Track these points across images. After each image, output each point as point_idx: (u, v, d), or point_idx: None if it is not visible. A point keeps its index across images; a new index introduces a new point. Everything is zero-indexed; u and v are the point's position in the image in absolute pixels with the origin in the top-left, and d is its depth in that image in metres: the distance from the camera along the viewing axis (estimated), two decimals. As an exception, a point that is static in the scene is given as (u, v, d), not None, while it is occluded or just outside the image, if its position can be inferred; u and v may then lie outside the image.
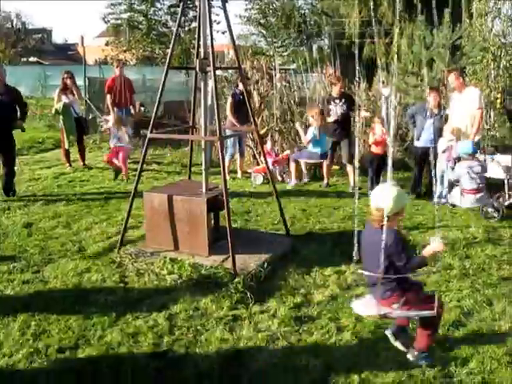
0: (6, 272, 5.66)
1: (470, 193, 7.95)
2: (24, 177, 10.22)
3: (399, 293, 3.70)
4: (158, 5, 21.84)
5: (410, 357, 3.97)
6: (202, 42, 5.72)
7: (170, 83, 5.95)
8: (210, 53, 5.53)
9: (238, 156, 10.50)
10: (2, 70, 8.86)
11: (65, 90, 10.81)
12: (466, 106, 8.57)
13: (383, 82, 12.63)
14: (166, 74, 5.75)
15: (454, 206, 8.37)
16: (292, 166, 9.96)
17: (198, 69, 5.77)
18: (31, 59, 53.65)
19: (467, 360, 4.00)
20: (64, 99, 10.68)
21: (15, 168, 9.14)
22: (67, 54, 64.76)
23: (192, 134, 6.71)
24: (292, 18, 23.09)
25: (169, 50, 5.97)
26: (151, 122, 5.93)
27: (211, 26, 5.57)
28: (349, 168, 9.74)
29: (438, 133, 8.80)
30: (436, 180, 8.76)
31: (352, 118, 10.18)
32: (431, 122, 8.88)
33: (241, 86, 10.02)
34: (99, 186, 9.59)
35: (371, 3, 26.57)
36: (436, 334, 4.01)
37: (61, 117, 10.71)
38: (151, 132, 5.92)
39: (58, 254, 6.22)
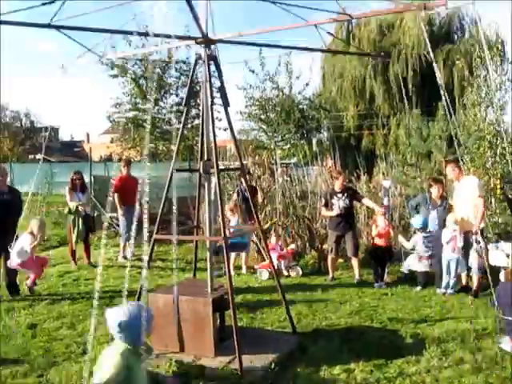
0: (10, 376, 5.57)
1: (424, 259, 9.12)
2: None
3: None
4: (162, 104, 22.51)
5: None
6: (205, 145, 5.91)
7: (173, 179, 6.08)
8: (213, 154, 5.69)
9: (243, 251, 10.54)
10: (3, 170, 9.05)
11: (74, 189, 11.05)
12: (466, 195, 8.71)
13: (383, 174, 12.92)
14: (171, 177, 5.90)
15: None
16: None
17: (201, 171, 5.93)
18: (38, 156, 54.89)
19: None
20: (74, 198, 10.91)
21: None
22: (73, 151, 66.40)
23: (196, 233, 6.78)
24: (291, 113, 23.78)
25: (173, 147, 6.18)
26: (157, 223, 6.02)
27: (214, 128, 5.77)
28: (354, 261, 9.75)
29: (442, 223, 8.90)
30: (442, 270, 8.77)
31: (355, 211, 10.28)
32: (435, 213, 9.00)
33: (245, 183, 10.24)
34: (104, 285, 9.54)
35: (367, 97, 27.66)
36: None
37: (71, 216, 10.86)
38: (157, 233, 5.99)
39: (63, 356, 6.14)
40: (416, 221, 9.40)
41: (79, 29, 5.03)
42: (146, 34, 9.46)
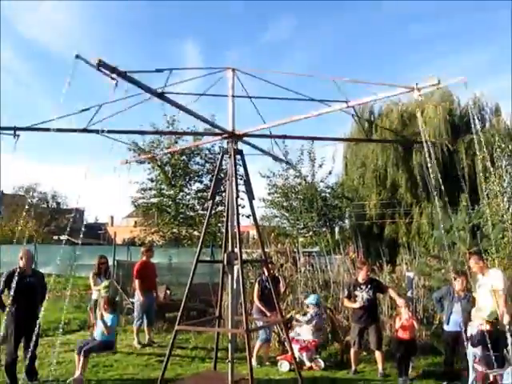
0: None
1: None
2: (47, 360, 10.15)
3: None
4: (186, 190, 23.00)
5: None
6: (229, 237, 6.03)
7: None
8: (238, 247, 5.79)
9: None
10: (28, 253, 9.23)
11: (99, 273, 11.20)
12: (490, 290, 8.61)
13: (406, 264, 12.84)
14: (195, 268, 5.99)
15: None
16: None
17: (225, 262, 6.01)
18: (62, 237, 55.50)
19: None
20: (98, 283, 11.03)
21: (37, 351, 9.15)
22: (97, 233, 67.04)
23: (218, 324, 6.77)
24: (314, 201, 24.04)
25: (195, 233, 6.29)
26: (179, 315, 6.05)
27: (238, 221, 5.90)
28: (377, 354, 9.56)
29: (467, 316, 8.76)
30: (468, 365, 8.54)
31: (378, 302, 10.14)
32: (459, 306, 8.88)
33: (267, 273, 10.26)
34: (123, 373, 9.45)
35: (389, 185, 27.88)
36: None
37: (95, 299, 10.92)
38: (179, 324, 6.01)
39: None
40: (310, 299, 10.32)
41: (115, 132, 5.32)
42: (177, 133, 9.85)
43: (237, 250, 5.84)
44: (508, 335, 8.11)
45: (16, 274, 8.70)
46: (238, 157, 6.04)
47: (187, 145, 12.32)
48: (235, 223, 5.97)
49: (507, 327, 8.30)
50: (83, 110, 5.15)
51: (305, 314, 10.37)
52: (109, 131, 5.36)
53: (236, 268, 6.83)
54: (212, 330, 7.32)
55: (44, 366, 9.56)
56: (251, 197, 6.03)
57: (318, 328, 10.25)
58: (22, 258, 8.93)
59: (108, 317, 9.01)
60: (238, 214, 6.00)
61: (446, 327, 9.18)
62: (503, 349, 8.20)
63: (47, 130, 5.09)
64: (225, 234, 6.03)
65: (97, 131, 5.26)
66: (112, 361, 10.28)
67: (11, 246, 21.12)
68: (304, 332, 10.16)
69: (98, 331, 9.10)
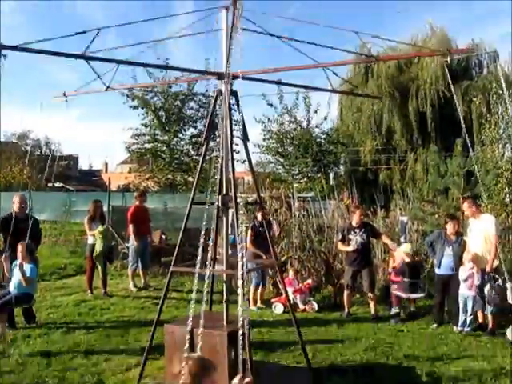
0: (24, 405, 5.61)
1: None
2: (45, 303, 10.29)
3: None
4: (181, 135, 22.78)
5: None
6: (224, 179, 5.99)
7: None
8: (232, 188, 5.77)
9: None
10: (22, 198, 9.20)
11: (93, 218, 11.19)
12: (483, 234, 8.70)
13: (400, 209, 12.90)
14: (190, 211, 5.98)
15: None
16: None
17: (220, 204, 6.00)
18: (57, 185, 55.46)
19: None
20: (93, 227, 11.03)
21: (35, 295, 9.26)
22: (91, 180, 67.05)
23: (213, 265, 6.80)
24: (309, 147, 23.93)
25: (190, 178, 6.26)
26: (174, 256, 6.08)
27: (233, 164, 5.86)
28: (370, 297, 9.70)
29: (458, 260, 8.87)
30: (459, 308, 8.70)
31: (372, 246, 10.21)
32: (450, 250, 8.98)
33: (260, 218, 10.28)
34: (119, 315, 9.60)
35: (385, 132, 27.73)
36: None
37: (98, 241, 10.93)
38: (174, 265, 6.04)
39: (77, 386, 6.16)
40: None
41: (108, 60, 5.17)
42: (169, 68, 9.62)
43: (231, 193, 5.81)
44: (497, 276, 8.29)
45: (10, 218, 8.74)
46: (233, 99, 5.94)
47: (182, 80, 12.15)
48: (230, 167, 5.92)
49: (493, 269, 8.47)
50: (78, 33, 4.94)
51: None
52: (100, 59, 5.20)
53: (231, 211, 6.83)
54: (207, 271, 7.35)
55: (42, 310, 9.70)
56: (246, 139, 5.97)
57: None
58: (15, 203, 8.91)
59: (27, 266, 8.30)
60: (232, 156, 5.94)
61: (437, 270, 9.30)
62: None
63: (39, 51, 4.86)
64: (219, 177, 5.99)
65: (96, 58, 5.10)
66: (108, 304, 10.43)
67: (5, 194, 21.09)
68: None
69: (15, 282, 8.29)
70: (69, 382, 6.26)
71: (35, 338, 8.02)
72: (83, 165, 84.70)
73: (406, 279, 9.38)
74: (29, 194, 24.78)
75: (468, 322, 8.62)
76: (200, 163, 6.06)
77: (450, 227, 9.14)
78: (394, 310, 9.50)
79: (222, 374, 5.75)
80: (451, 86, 19.46)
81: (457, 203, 11.46)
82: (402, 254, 9.56)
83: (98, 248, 10.89)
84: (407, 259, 9.51)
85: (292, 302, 9.53)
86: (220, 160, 5.84)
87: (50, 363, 6.95)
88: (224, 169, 5.98)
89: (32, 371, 6.62)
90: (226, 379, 5.74)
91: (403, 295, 9.49)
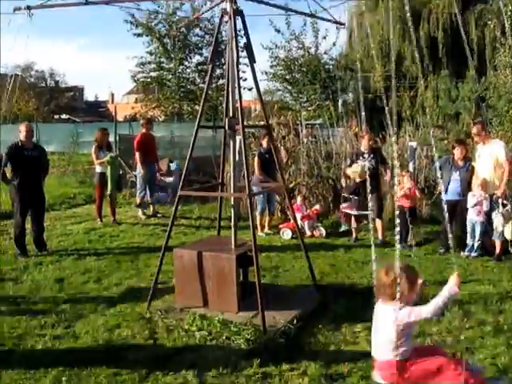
0: (38, 327, 5.72)
1: None
2: (55, 232, 10.41)
3: None
4: (186, 63, 22.44)
5: None
6: (230, 101, 5.87)
7: (197, 139, 6.06)
8: (239, 111, 5.67)
9: (267, 212, 10.57)
10: (29, 127, 9.11)
11: (100, 146, 11.12)
12: (492, 159, 8.59)
13: (410, 136, 12.74)
14: (196, 133, 5.90)
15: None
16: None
17: (226, 127, 5.91)
18: (63, 116, 55.21)
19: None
20: (101, 156, 10.97)
21: (45, 224, 9.35)
22: (98, 111, 66.57)
23: (221, 190, 6.80)
24: (317, 73, 23.45)
25: (197, 107, 6.14)
26: (181, 179, 6.05)
27: (239, 85, 5.72)
28: (377, 222, 9.70)
29: (465, 185, 8.81)
30: (467, 233, 8.71)
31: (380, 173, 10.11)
32: (457, 175, 8.90)
33: (265, 145, 10.18)
34: (129, 242, 9.72)
35: (395, 58, 27.03)
36: None
37: (108, 168, 10.92)
38: (182, 189, 6.03)
39: (89, 309, 6.28)
40: None
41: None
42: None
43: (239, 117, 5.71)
44: (506, 201, 8.24)
45: (17, 147, 8.70)
46: (239, 18, 5.74)
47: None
48: (236, 90, 5.79)
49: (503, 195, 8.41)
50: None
51: None
52: None
53: (238, 138, 6.75)
54: (214, 194, 7.36)
55: (52, 238, 9.82)
56: (253, 59, 5.79)
57: None
58: (21, 132, 8.86)
59: None
60: (238, 78, 5.80)
61: (444, 196, 9.22)
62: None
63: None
64: (225, 99, 5.88)
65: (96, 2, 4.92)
66: (118, 231, 10.54)
67: (12, 126, 21.00)
68: None
69: None
70: (81, 306, 6.37)
71: (47, 265, 8.15)
72: (89, 96, 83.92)
73: (356, 197, 9.77)
74: (35, 126, 24.74)
75: (475, 248, 8.64)
76: (206, 86, 5.92)
77: (457, 152, 9.02)
78: (344, 227, 10.01)
79: (230, 296, 5.84)
80: (458, 15, 18.79)
81: (467, 128, 11.29)
82: (351, 173, 9.88)
83: (109, 175, 10.87)
84: (358, 179, 9.75)
85: (300, 227, 9.57)
86: (226, 82, 5.70)
87: (63, 288, 7.08)
88: (231, 91, 5.86)
89: (45, 296, 6.75)
90: (235, 302, 5.84)
91: (352, 212, 9.73)
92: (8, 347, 5.25)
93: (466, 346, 5.13)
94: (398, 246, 9.08)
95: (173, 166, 10.72)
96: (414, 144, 11.18)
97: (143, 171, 11.76)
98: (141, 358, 4.97)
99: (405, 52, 26.96)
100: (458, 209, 8.91)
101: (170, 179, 10.90)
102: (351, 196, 9.79)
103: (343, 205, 9.92)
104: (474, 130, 8.98)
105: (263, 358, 4.86)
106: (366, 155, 9.58)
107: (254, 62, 5.85)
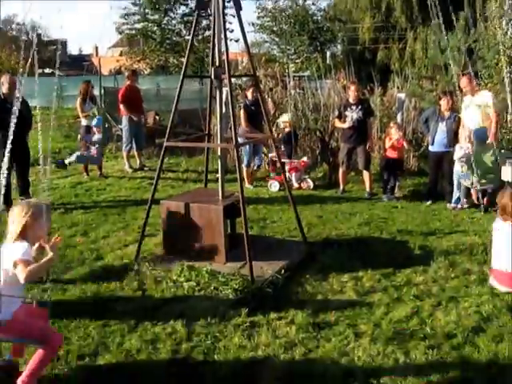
0: (25, 280, 5.70)
1: None
2: (41, 186, 10.30)
3: None
4: (172, 14, 21.96)
5: None
6: (216, 50, 5.75)
7: (184, 92, 5.96)
8: (225, 60, 5.56)
9: (254, 165, 10.52)
10: (11, 79, 8.90)
11: (85, 99, 10.92)
12: (480, 110, 8.54)
13: (398, 88, 12.64)
14: (182, 83, 5.78)
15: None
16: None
17: (213, 77, 5.80)
18: (46, 70, 54.14)
19: (488, 366, 3.95)
20: (86, 109, 10.79)
21: (31, 178, 9.26)
22: (82, 65, 65.28)
23: (208, 142, 6.73)
24: (305, 24, 23.10)
25: (183, 59, 6.00)
26: (168, 130, 5.96)
27: (225, 34, 5.60)
28: (365, 174, 9.70)
29: (452, 136, 8.79)
30: (453, 185, 8.74)
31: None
32: (444, 126, 8.87)
33: (250, 97, 10.05)
34: (116, 195, 9.66)
35: (384, 8, 26.66)
36: None
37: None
38: (168, 140, 5.95)
39: (77, 262, 6.27)
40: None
41: None
42: None
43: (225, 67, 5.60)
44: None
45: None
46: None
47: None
48: (222, 40, 5.66)
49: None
50: None
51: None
52: None
53: (225, 89, 6.65)
54: (201, 145, 7.29)
55: (38, 192, 9.71)
56: (239, 6, 5.64)
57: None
58: (3, 84, 8.65)
59: None
60: (225, 27, 5.67)
61: (430, 148, 9.23)
62: None
63: None
64: (211, 48, 5.75)
65: None
66: (104, 185, 10.46)
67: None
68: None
69: None
70: (69, 259, 6.34)
71: (33, 219, 8.07)
72: (73, 50, 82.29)
73: (286, 146, 10.39)
74: (18, 80, 24.24)
75: (461, 199, 8.68)
76: (191, 35, 5.78)
77: (443, 103, 8.96)
78: (272, 175, 10.31)
79: (218, 247, 5.85)
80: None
81: (456, 80, 11.19)
82: (281, 124, 10.46)
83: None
84: (288, 128, 10.41)
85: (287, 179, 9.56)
86: (212, 29, 5.57)
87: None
88: (217, 42, 5.73)
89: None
90: (223, 253, 5.85)
91: (284, 160, 9.79)
92: (-4, 301, 5.24)
93: (450, 294, 5.21)
94: (383, 196, 9.18)
95: (94, 122, 10.13)
96: (402, 96, 11.10)
97: (129, 124, 11.60)
98: (129, 309, 4.98)
99: (394, 3, 26.58)
100: (444, 160, 8.92)
101: (97, 136, 10.41)
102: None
103: (271, 154, 10.24)
104: (463, 81, 8.91)
105: (251, 308, 4.90)
106: (353, 107, 9.51)
107: (241, 9, 5.70)
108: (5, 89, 8.58)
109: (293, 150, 10.47)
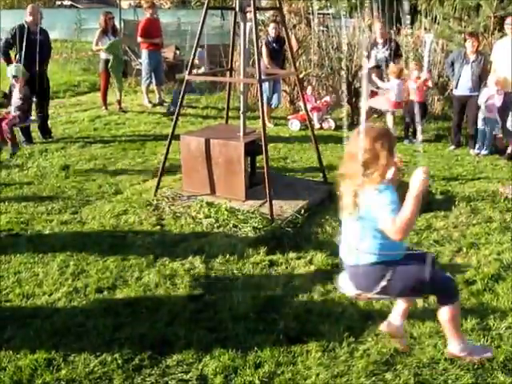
0: (45, 213, 5.73)
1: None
2: (60, 120, 10.26)
3: None
4: None
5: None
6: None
7: (205, 27, 5.79)
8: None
9: (272, 104, 10.31)
10: (34, 9, 8.74)
11: (105, 31, 10.69)
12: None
13: (425, 29, 12.20)
14: (205, 14, 5.59)
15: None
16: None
17: (237, 9, 5.60)
18: (65, 2, 53.25)
19: (506, 314, 3.91)
20: (106, 41, 10.57)
21: (50, 111, 9.18)
22: (102, -1, 64.10)
23: (230, 75, 6.58)
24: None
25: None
26: (189, 64, 5.82)
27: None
28: (388, 116, 9.49)
29: (477, 80, 8.50)
30: (477, 130, 8.54)
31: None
32: (469, 68, 8.56)
33: (272, 33, 9.76)
34: (135, 130, 9.58)
35: None
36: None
37: (111, 56, 10.58)
38: (189, 74, 5.81)
39: (95, 195, 6.28)
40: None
41: None
42: None
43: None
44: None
45: (23, 28, 8.40)
46: None
47: None
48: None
49: None
50: None
51: None
52: None
53: (248, 24, 6.43)
54: (223, 79, 7.15)
55: (57, 125, 9.69)
56: None
57: None
58: (29, 14, 8.54)
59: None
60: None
61: (454, 91, 8.97)
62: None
63: None
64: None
65: None
66: (124, 119, 10.39)
67: (12, 12, 20.20)
68: None
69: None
70: (87, 193, 6.36)
71: (52, 153, 8.07)
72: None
73: None
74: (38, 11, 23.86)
75: (485, 146, 8.49)
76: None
77: (468, 45, 8.61)
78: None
79: (238, 184, 5.79)
80: None
81: (487, 22, 10.77)
82: None
83: (112, 60, 10.53)
84: None
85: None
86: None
87: (69, 175, 7.05)
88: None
89: (51, 182, 6.73)
90: (243, 191, 5.80)
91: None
92: (16, 231, 5.27)
93: (471, 241, 5.15)
94: (404, 140, 8.98)
95: (10, 71, 8.88)
96: (429, 36, 10.70)
97: (148, 58, 11.37)
98: (148, 244, 5.01)
99: None
100: (468, 105, 8.67)
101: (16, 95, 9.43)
102: None
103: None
104: (509, 22, 8.38)
105: (270, 246, 4.89)
106: (379, 46, 9.21)
107: None
108: (29, 19, 8.50)
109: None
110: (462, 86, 8.68)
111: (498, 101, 8.16)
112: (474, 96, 8.52)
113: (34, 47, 8.30)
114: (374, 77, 9.26)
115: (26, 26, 8.44)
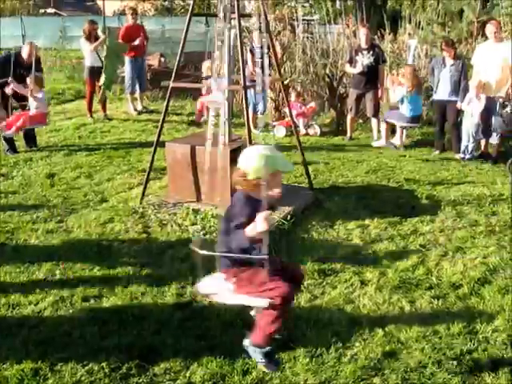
0: (30, 221, 5.68)
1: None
2: (45, 128, 10.18)
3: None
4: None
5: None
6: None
7: (190, 34, 5.78)
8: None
9: (258, 110, 10.33)
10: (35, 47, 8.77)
11: (89, 38, 10.66)
12: (500, 60, 8.21)
13: (409, 34, 12.33)
14: (189, 21, 5.59)
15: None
16: (383, 126, 9.43)
17: (221, 15, 5.59)
18: (49, 10, 53.03)
19: (493, 317, 3.93)
20: (90, 47, 10.55)
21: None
22: (85, 6, 63.89)
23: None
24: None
25: (189, 1, 5.76)
26: (174, 71, 5.81)
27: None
28: (373, 122, 9.55)
29: (456, 84, 8.57)
30: (459, 135, 8.61)
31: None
32: (447, 72, 8.64)
33: (256, 41, 9.77)
34: (120, 137, 9.54)
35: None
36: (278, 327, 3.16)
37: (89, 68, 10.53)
38: (174, 81, 5.80)
39: (81, 204, 6.23)
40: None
41: None
42: None
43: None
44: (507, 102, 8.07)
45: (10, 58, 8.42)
46: None
47: None
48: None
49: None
50: None
51: None
52: None
53: (233, 31, 6.43)
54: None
55: (42, 134, 9.62)
56: None
57: None
58: (24, 51, 8.58)
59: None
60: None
61: (434, 96, 9.06)
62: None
63: None
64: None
65: None
66: (109, 127, 10.35)
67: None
68: None
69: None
70: (73, 201, 6.31)
71: (37, 161, 8.02)
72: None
73: None
74: (20, 20, 23.80)
75: (470, 150, 8.55)
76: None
77: (446, 54, 8.72)
78: (203, 119, 9.90)
79: (224, 191, 5.77)
80: None
81: (470, 27, 10.89)
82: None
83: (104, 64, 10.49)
84: None
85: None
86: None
87: (54, 183, 6.99)
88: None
89: (36, 191, 6.67)
90: (229, 196, 5.76)
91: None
92: (1, 241, 5.22)
93: (457, 245, 5.18)
94: (374, 143, 8.96)
95: (40, 94, 9.11)
96: (413, 42, 10.81)
97: (130, 66, 11.31)
98: (134, 252, 4.98)
99: None
100: (448, 109, 8.74)
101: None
102: None
103: (203, 98, 9.80)
104: (490, 28, 8.48)
105: (256, 253, 4.87)
106: (364, 51, 9.26)
107: None
108: (25, 54, 8.54)
109: None
110: (442, 91, 8.77)
111: (479, 105, 8.24)
112: (453, 100, 8.60)
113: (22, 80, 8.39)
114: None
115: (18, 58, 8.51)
